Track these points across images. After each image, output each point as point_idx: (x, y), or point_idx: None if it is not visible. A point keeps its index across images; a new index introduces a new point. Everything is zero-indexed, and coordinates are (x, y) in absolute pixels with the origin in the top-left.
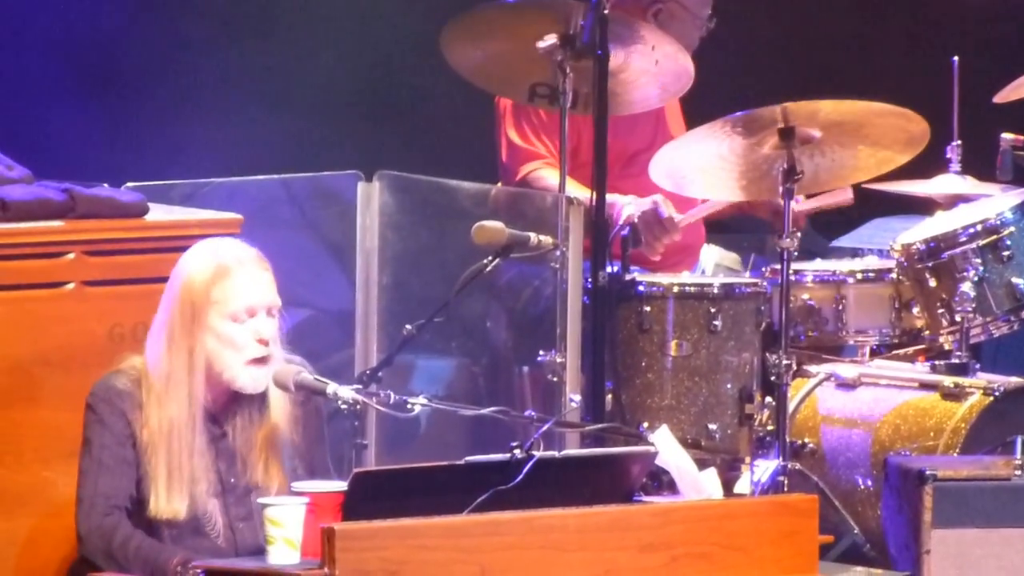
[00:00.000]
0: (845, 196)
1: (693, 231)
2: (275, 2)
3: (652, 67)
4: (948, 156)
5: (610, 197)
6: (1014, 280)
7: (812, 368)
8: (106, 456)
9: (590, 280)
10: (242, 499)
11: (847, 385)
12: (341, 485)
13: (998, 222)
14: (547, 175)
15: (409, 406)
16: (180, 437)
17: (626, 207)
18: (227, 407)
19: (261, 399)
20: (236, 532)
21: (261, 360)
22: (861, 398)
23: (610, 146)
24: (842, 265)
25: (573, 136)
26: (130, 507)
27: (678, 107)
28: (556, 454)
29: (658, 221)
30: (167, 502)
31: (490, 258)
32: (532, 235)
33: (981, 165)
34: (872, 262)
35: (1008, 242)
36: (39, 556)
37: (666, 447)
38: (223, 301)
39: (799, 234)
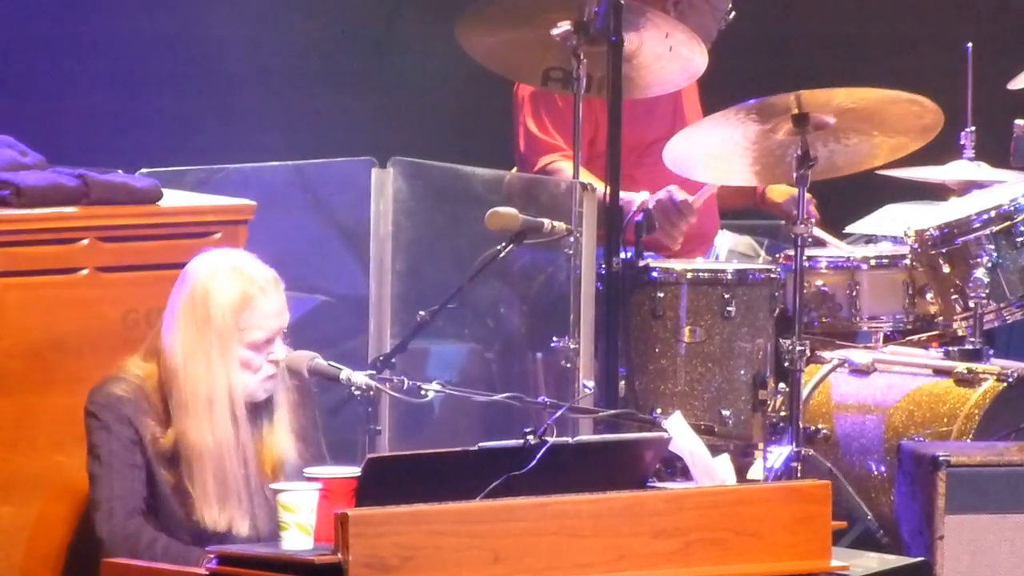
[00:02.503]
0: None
1: (708, 219)
2: None
3: (666, 52)
4: (962, 142)
5: (625, 195)
6: None
7: (825, 354)
8: (116, 461)
9: (604, 266)
10: (256, 489)
11: (861, 371)
12: (354, 471)
13: (1012, 208)
14: (565, 167)
15: (423, 392)
16: (231, 456)
17: (639, 195)
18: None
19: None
20: (258, 520)
21: (273, 377)
22: (875, 384)
23: (627, 135)
24: (856, 251)
25: (591, 127)
26: (146, 510)
27: (696, 97)
28: (569, 440)
29: (674, 206)
30: (222, 517)
31: (504, 244)
32: (546, 221)
33: (995, 151)
34: (886, 248)
35: (1022, 228)
36: (53, 540)
37: (679, 433)
38: (247, 330)
39: (812, 221)
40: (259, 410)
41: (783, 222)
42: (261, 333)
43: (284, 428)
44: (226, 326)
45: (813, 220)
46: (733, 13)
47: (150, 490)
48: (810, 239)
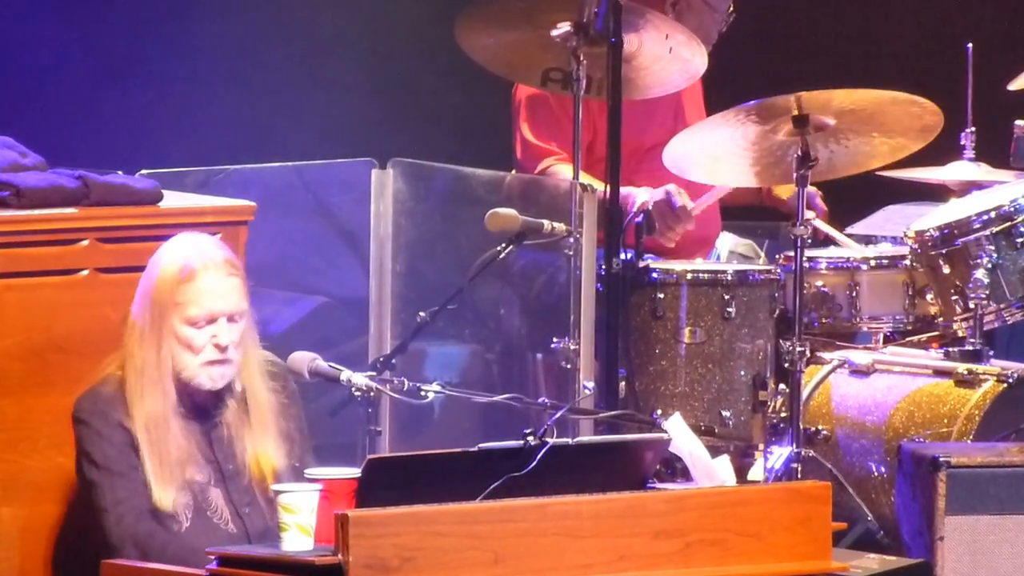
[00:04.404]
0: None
1: (710, 222)
2: None
3: (665, 53)
4: (962, 143)
5: (624, 189)
6: None
7: (826, 355)
8: (115, 465)
9: (604, 267)
10: (241, 485)
11: (861, 372)
12: (355, 472)
13: (1012, 209)
14: (561, 170)
15: (423, 393)
16: (158, 429)
17: (640, 195)
18: (214, 398)
19: (242, 393)
20: (244, 517)
21: (218, 362)
22: (875, 385)
23: (626, 139)
24: (856, 252)
25: (589, 131)
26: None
27: (700, 101)
28: (569, 441)
29: (671, 210)
30: (156, 491)
31: (503, 245)
32: (545, 222)
33: (995, 152)
34: (886, 249)
35: (1022, 228)
36: (53, 541)
37: (679, 434)
38: (184, 304)
39: (818, 214)
40: (228, 407)
41: (784, 223)
42: (198, 310)
43: (269, 432)
44: (163, 298)
45: (820, 213)
46: (734, 15)
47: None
48: (809, 238)
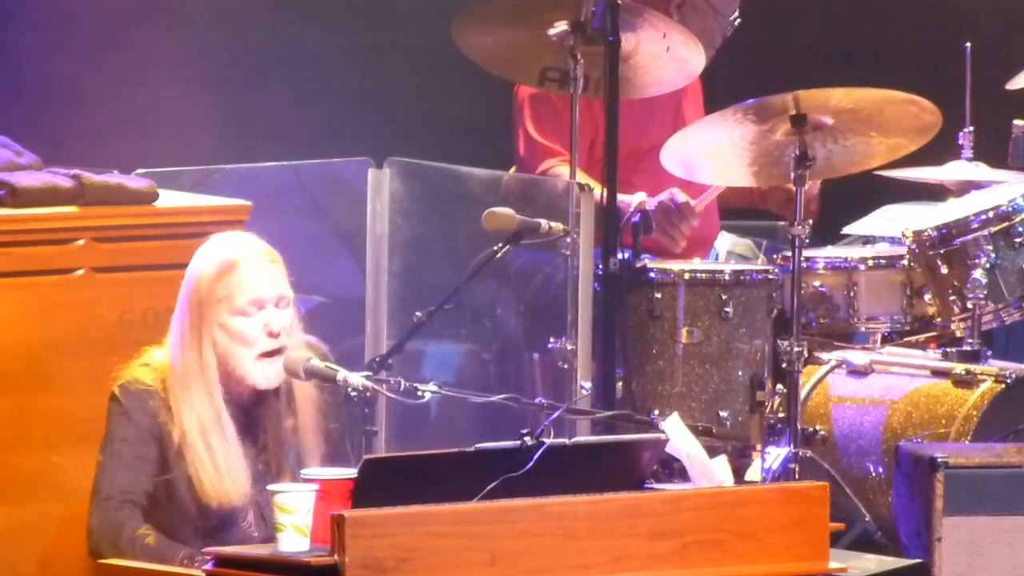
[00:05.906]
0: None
1: (709, 222)
2: None
3: (663, 53)
4: (960, 143)
5: (623, 197)
6: None
7: (823, 355)
8: (126, 450)
9: (601, 267)
10: (258, 471)
11: (858, 372)
12: (351, 472)
13: (1010, 209)
14: (564, 172)
15: (419, 393)
16: (214, 431)
17: (637, 195)
18: (256, 399)
19: (288, 391)
20: (268, 520)
21: (272, 353)
22: (873, 385)
23: (625, 140)
24: (853, 252)
25: (590, 131)
26: (146, 504)
27: (700, 103)
28: (566, 441)
29: (675, 208)
30: (217, 489)
31: (500, 245)
32: (543, 222)
33: (993, 152)
34: (884, 249)
35: (1020, 229)
36: (48, 541)
37: (677, 434)
38: (229, 296)
39: (810, 221)
40: (271, 406)
41: (782, 223)
42: (244, 298)
43: (311, 433)
44: (204, 296)
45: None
46: (739, 19)
47: (165, 485)
48: (808, 236)
